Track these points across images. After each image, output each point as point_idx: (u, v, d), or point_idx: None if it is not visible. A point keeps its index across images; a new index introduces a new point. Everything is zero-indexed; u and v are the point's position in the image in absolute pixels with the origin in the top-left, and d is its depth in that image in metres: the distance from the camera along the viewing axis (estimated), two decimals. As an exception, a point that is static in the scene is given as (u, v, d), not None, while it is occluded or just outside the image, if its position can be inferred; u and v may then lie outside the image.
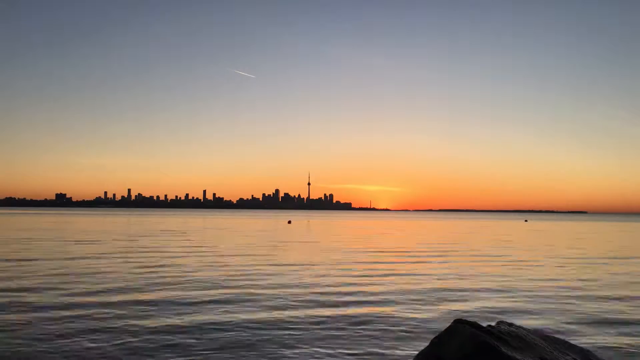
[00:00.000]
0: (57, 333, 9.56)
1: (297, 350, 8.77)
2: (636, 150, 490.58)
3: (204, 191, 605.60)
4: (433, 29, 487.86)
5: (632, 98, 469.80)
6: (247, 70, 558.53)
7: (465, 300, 13.45)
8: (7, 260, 21.61)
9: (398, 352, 8.78)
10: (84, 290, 14.27)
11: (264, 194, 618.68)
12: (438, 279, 17.31)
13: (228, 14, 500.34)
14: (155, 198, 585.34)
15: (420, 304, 12.86)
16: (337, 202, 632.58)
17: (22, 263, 20.54)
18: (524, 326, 8.05)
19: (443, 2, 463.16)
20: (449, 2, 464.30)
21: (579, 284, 16.80)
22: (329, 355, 8.60)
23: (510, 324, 7.75)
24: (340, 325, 10.56)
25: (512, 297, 14.12)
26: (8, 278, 16.36)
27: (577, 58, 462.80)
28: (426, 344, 7.89)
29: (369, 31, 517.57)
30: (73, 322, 10.48)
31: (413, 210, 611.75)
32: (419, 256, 25.97)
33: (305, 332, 9.92)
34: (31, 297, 13.09)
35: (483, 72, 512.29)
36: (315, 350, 8.80)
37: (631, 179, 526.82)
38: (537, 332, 7.94)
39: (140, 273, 17.84)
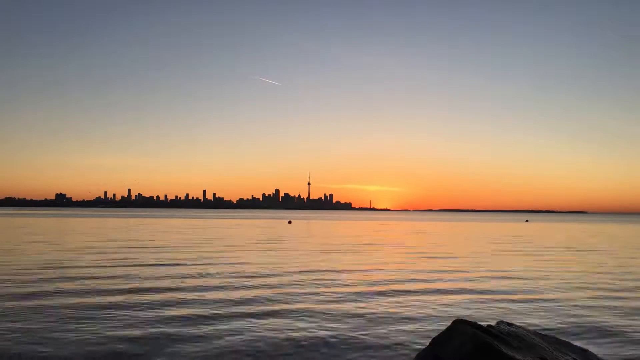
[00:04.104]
0: None
1: (299, 349, 8.80)
2: (636, 150, 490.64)
3: (204, 191, 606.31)
4: (433, 29, 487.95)
5: (632, 98, 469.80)
6: (248, 70, 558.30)
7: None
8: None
9: (398, 351, 8.80)
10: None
11: (264, 194, 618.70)
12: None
13: (227, 13, 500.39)
14: (155, 198, 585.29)
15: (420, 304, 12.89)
16: (337, 202, 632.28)
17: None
18: (524, 326, 8.07)
19: (443, 2, 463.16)
20: (449, 2, 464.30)
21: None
22: (328, 354, 8.64)
23: (510, 324, 7.77)
24: (339, 323, 10.60)
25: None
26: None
27: (577, 58, 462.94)
28: (426, 343, 7.90)
29: (369, 31, 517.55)
30: None
31: (413, 210, 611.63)
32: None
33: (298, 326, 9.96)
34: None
35: (483, 71, 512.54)
36: (312, 347, 8.86)
37: (631, 179, 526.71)
38: (537, 332, 7.96)
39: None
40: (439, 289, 15.18)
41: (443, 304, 12.85)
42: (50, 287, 14.69)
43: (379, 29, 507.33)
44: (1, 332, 9.65)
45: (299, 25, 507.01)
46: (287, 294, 14.09)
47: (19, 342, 8.95)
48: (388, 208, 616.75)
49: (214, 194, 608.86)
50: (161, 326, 10.21)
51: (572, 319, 11.34)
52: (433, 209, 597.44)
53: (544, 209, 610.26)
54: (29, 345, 8.82)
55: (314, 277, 17.33)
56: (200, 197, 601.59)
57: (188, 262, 21.39)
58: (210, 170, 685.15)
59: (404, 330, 10.15)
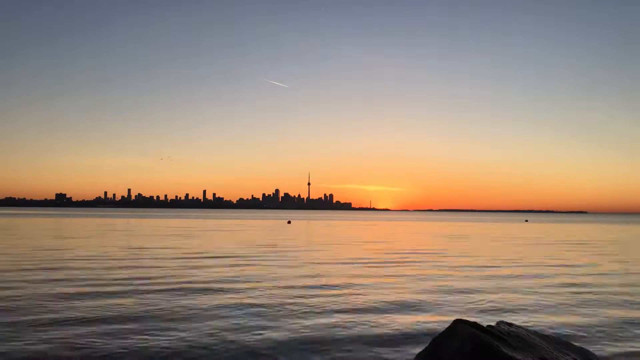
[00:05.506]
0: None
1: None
2: (636, 150, 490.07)
3: (204, 191, 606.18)
4: (433, 29, 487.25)
5: (632, 98, 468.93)
6: (247, 70, 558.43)
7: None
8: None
9: (398, 352, 8.79)
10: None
11: (264, 194, 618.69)
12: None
13: (227, 13, 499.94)
14: (155, 198, 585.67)
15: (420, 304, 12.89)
16: (337, 202, 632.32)
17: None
18: (524, 326, 8.07)
19: (443, 2, 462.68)
20: (448, 2, 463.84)
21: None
22: (327, 354, 8.65)
23: (510, 324, 7.78)
24: (340, 324, 10.61)
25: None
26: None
27: (577, 57, 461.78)
28: (426, 344, 7.90)
29: (369, 31, 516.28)
30: None
31: (413, 210, 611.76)
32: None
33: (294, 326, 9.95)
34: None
35: (483, 71, 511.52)
36: (310, 348, 8.87)
37: (631, 179, 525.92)
38: (537, 332, 7.96)
39: None
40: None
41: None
42: None
43: (379, 29, 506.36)
44: None
45: (299, 26, 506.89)
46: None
47: None
48: (388, 208, 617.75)
49: (214, 194, 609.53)
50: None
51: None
52: (433, 209, 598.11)
53: (543, 209, 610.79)
54: None
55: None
56: (200, 197, 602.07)
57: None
58: (210, 170, 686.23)
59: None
